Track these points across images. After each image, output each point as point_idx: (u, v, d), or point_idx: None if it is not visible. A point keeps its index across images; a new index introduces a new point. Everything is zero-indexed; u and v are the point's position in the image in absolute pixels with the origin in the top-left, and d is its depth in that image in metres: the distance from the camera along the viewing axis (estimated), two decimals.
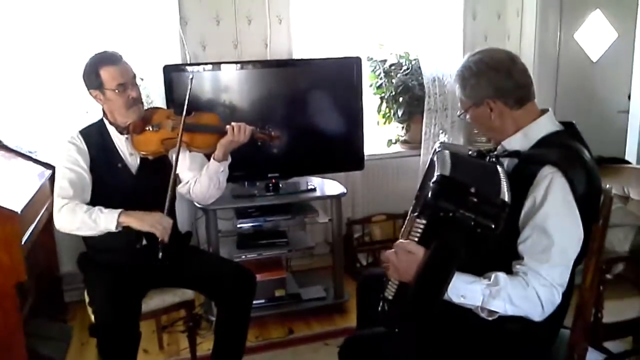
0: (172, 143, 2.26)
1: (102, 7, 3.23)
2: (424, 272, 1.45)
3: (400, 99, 3.83)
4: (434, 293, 1.45)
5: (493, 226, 1.39)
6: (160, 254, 2.08)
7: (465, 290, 1.45)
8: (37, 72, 3.21)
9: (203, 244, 3.31)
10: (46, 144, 3.23)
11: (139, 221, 2.11)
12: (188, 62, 3.37)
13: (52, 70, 3.22)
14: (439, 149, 1.65)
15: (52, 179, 3.01)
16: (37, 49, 3.17)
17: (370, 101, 3.83)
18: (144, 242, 2.31)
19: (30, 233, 2.44)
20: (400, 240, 1.54)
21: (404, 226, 1.75)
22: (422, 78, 3.75)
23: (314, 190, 3.19)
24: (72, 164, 2.22)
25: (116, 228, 2.11)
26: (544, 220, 1.46)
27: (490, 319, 1.48)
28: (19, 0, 3.10)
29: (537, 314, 1.45)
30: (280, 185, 3.16)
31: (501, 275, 1.45)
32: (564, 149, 1.56)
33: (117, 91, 2.21)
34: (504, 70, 1.61)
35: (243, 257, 3.02)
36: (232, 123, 2.28)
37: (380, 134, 3.98)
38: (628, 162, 2.67)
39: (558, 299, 1.46)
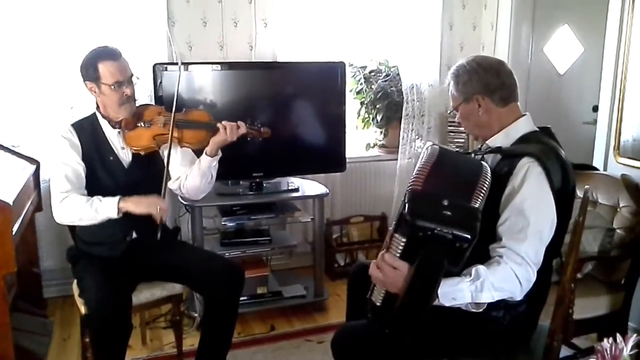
0: (163, 139, 2.31)
1: (90, 3, 3.25)
2: (411, 287, 1.51)
3: (379, 105, 3.94)
4: (422, 303, 1.52)
5: (470, 237, 1.47)
6: (159, 234, 2.16)
7: (454, 292, 1.54)
8: (21, 67, 3.19)
9: (187, 241, 3.34)
10: (29, 139, 3.22)
11: (136, 205, 2.19)
12: (175, 61, 3.41)
13: (36, 66, 3.20)
14: (431, 144, 1.76)
15: (36, 173, 3.02)
16: (22, 44, 3.16)
17: (350, 106, 3.93)
18: (134, 235, 2.36)
19: (19, 225, 2.46)
20: (383, 254, 1.59)
21: (385, 239, 1.74)
22: (400, 85, 3.88)
23: (296, 190, 3.27)
24: (67, 158, 2.26)
25: (117, 214, 2.17)
26: (521, 203, 1.59)
27: (480, 310, 1.57)
28: None
29: (517, 292, 1.57)
30: (264, 185, 3.23)
31: (480, 268, 1.55)
32: (541, 144, 1.71)
33: (112, 87, 2.25)
34: (493, 70, 1.79)
35: (227, 254, 3.06)
36: (224, 122, 2.34)
37: (359, 138, 4.09)
38: (596, 169, 2.85)
39: (533, 277, 1.57)
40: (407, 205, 1.51)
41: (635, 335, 1.04)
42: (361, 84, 3.94)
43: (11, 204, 2.27)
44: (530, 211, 1.58)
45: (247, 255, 3.18)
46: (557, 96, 4.12)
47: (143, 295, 2.40)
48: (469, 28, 4.06)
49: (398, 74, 3.90)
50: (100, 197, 2.20)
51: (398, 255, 1.55)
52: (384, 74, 3.95)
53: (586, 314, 2.35)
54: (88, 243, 2.38)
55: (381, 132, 4.07)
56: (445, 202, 1.50)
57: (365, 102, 3.97)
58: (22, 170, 2.90)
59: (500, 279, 1.54)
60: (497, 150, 1.77)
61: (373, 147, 4.10)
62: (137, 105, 2.41)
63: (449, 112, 1.98)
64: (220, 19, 3.53)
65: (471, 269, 1.55)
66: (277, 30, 3.62)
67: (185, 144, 2.37)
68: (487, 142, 1.84)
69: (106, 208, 2.17)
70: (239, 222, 3.17)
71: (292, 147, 3.30)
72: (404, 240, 1.54)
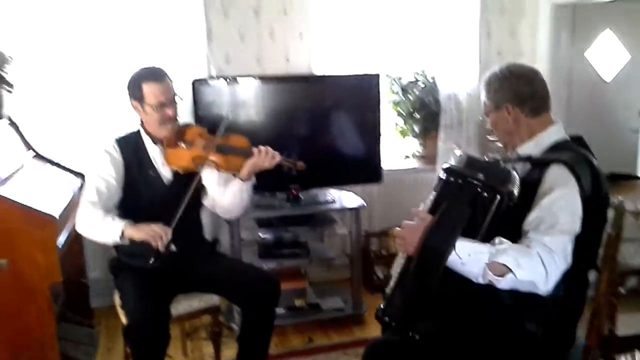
0: (201, 161, 2.34)
1: (132, 23, 3.37)
2: (431, 233, 1.54)
3: (417, 115, 3.93)
4: (439, 253, 1.52)
5: (499, 193, 1.52)
6: (152, 260, 2.14)
7: (471, 248, 1.51)
8: (71, 85, 3.34)
9: (226, 253, 3.39)
10: (77, 154, 3.34)
11: (137, 231, 2.17)
12: (214, 76, 3.49)
13: (85, 82, 3.34)
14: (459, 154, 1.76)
15: (82, 187, 3.13)
16: (72, 62, 3.31)
17: (388, 117, 3.94)
18: (173, 248, 2.41)
19: (66, 238, 2.54)
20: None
21: None
22: (438, 95, 3.86)
23: (333, 202, 3.28)
24: (103, 172, 2.32)
25: (120, 239, 2.17)
26: (551, 204, 1.56)
27: (492, 283, 1.50)
28: (53, 16, 3.23)
29: (541, 279, 1.48)
30: (301, 197, 3.26)
31: (505, 240, 1.52)
32: (572, 152, 1.68)
33: (155, 108, 2.32)
34: (526, 79, 1.77)
35: (264, 266, 3.10)
36: (260, 147, 2.36)
37: (397, 149, 4.07)
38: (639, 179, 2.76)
39: (560, 268, 1.50)
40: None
41: None
42: (398, 95, 3.93)
43: (57, 217, 2.37)
44: (560, 212, 1.54)
45: (284, 267, 3.20)
46: (601, 102, 4.03)
47: (181, 306, 2.45)
48: (506, 35, 3.99)
49: (435, 84, 3.88)
50: (114, 216, 2.23)
51: (427, 210, 1.64)
52: (421, 84, 3.93)
53: (631, 331, 2.27)
54: (128, 255, 2.44)
55: (420, 144, 4.05)
56: (481, 175, 1.59)
57: (403, 113, 3.96)
58: (70, 184, 3.00)
59: (524, 256, 1.49)
60: (527, 158, 1.74)
61: (411, 158, 4.08)
62: (181, 123, 2.47)
63: (480, 119, 1.97)
64: (256, 33, 3.59)
65: (495, 239, 1.53)
66: (313, 43, 3.66)
67: (223, 170, 2.39)
68: (517, 150, 1.81)
69: (112, 228, 2.17)
70: (275, 234, 3.20)
71: (329, 158, 3.32)
72: (434, 194, 1.65)
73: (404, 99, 3.93)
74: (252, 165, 2.35)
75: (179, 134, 2.40)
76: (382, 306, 1.71)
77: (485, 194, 1.55)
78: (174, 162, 2.37)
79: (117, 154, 2.38)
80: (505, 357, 1.71)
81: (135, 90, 2.32)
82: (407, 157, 4.07)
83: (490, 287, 1.52)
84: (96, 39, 3.34)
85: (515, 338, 1.64)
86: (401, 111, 3.96)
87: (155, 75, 2.33)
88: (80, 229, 2.28)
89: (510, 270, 1.47)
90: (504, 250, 1.50)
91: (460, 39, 3.80)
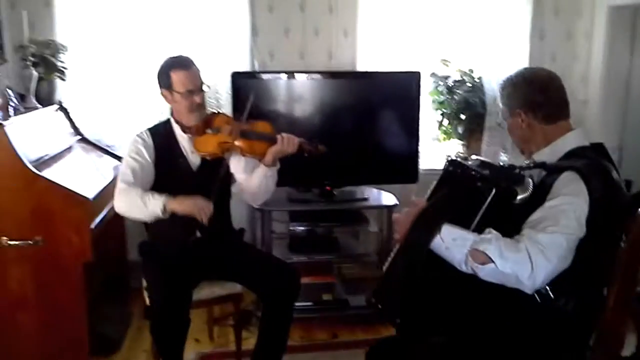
0: (227, 147, 2.41)
1: (180, 16, 3.49)
2: (421, 215, 1.62)
3: (462, 116, 3.85)
4: (423, 234, 1.57)
5: (495, 186, 1.54)
6: (198, 233, 2.26)
7: (457, 234, 1.53)
8: (119, 73, 3.50)
9: (258, 243, 3.46)
10: (124, 140, 3.49)
11: (180, 204, 2.26)
12: (256, 70, 3.55)
13: (132, 72, 3.49)
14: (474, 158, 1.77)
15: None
16: (120, 52, 3.47)
17: (432, 117, 3.88)
18: (198, 234, 2.48)
19: (101, 219, 2.67)
20: None
21: None
22: (484, 95, 3.77)
23: (366, 199, 3.28)
24: (137, 154, 2.42)
25: (162, 213, 2.25)
26: (554, 206, 1.53)
27: (473, 272, 1.50)
28: (105, 8, 3.39)
29: (525, 274, 1.45)
30: (335, 193, 3.27)
31: (494, 231, 1.51)
32: (588, 160, 1.62)
33: (183, 95, 2.39)
34: (539, 86, 1.73)
35: (294, 258, 3.15)
36: (282, 133, 2.41)
37: (440, 150, 4.01)
38: None
39: (550, 270, 1.46)
40: None
41: None
42: (443, 94, 3.87)
43: (91, 198, 2.49)
44: (562, 215, 1.50)
45: (314, 261, 3.23)
46: None
47: (204, 292, 2.52)
48: (562, 38, 3.85)
49: (482, 85, 3.79)
50: (154, 192, 2.31)
51: (426, 197, 1.73)
52: (468, 84, 3.85)
53: None
54: (157, 239, 2.54)
55: (463, 145, 3.97)
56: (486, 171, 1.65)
57: (447, 113, 3.89)
58: (113, 168, 3.14)
59: (509, 249, 1.47)
60: (541, 165, 1.69)
61: (465, 159, 3.99)
62: (209, 112, 2.55)
63: (498, 122, 1.94)
64: (301, 29, 3.62)
65: (485, 230, 1.54)
66: (357, 40, 3.65)
67: (248, 154, 2.45)
68: (533, 156, 1.76)
69: (153, 203, 2.25)
70: (306, 228, 3.23)
71: (365, 156, 3.32)
72: (434, 183, 1.74)
73: (448, 98, 3.86)
74: (276, 150, 2.39)
75: (207, 121, 2.47)
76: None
77: (481, 187, 1.57)
78: (201, 149, 2.44)
79: (149, 140, 2.47)
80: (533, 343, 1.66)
81: (164, 78, 2.40)
82: (449, 157, 3.99)
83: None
84: (144, 31, 3.49)
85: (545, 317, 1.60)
86: (445, 111, 3.90)
87: (183, 63, 2.41)
88: (119, 209, 2.36)
89: (491, 260, 1.46)
90: (488, 239, 1.49)
91: (510, 40, 3.70)
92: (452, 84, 3.88)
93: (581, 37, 3.82)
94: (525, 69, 1.81)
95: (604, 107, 3.71)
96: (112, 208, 2.82)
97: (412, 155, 3.35)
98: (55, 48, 3.19)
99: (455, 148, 4.00)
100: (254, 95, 2.39)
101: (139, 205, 2.28)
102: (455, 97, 3.85)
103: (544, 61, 3.81)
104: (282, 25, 3.61)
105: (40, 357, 2.54)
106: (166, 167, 2.47)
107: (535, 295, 1.55)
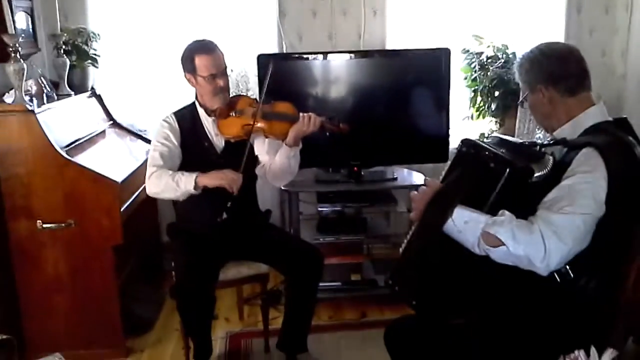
0: (251, 129, 2.42)
1: (208, 0, 3.51)
2: (433, 197, 1.60)
3: (495, 93, 3.75)
4: (436, 217, 1.55)
5: (509, 166, 1.51)
6: (229, 203, 2.28)
7: (469, 216, 1.51)
8: (152, 59, 3.56)
9: (287, 225, 3.49)
10: (155, 124, 3.56)
11: (210, 178, 2.31)
12: (285, 52, 3.55)
13: (163, 57, 3.53)
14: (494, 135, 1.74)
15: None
16: (151, 38, 3.53)
17: (464, 94, 3.81)
18: (225, 215, 2.51)
19: (131, 202, 2.75)
20: None
21: None
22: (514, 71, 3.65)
23: (395, 179, 3.25)
24: (164, 139, 2.46)
25: (195, 189, 2.30)
26: (570, 185, 1.49)
27: (488, 254, 1.48)
28: None
29: (539, 257, 1.42)
30: (362, 173, 3.25)
31: (508, 213, 1.48)
32: (609, 135, 1.57)
33: (207, 79, 2.42)
34: (557, 58, 1.68)
35: (321, 239, 3.16)
36: (304, 113, 2.41)
37: (473, 128, 3.93)
38: None
39: (564, 254, 1.43)
40: None
41: (611, 350, 0.92)
42: (476, 71, 3.78)
43: (120, 182, 2.56)
44: (578, 194, 1.46)
45: (342, 242, 3.23)
46: None
47: (230, 272, 2.55)
48: (600, 10, 3.69)
49: (515, 61, 3.67)
50: (184, 172, 2.36)
51: (440, 178, 1.70)
52: (501, 60, 3.74)
53: None
54: (185, 220, 2.59)
55: (496, 122, 3.87)
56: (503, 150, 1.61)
57: (480, 90, 3.80)
58: (145, 153, 3.21)
59: (522, 231, 1.44)
60: (561, 142, 1.65)
61: (487, 137, 3.92)
62: (232, 95, 2.57)
63: (519, 102, 1.89)
64: (330, 10, 3.60)
65: (500, 212, 1.51)
66: (387, 19, 3.61)
67: (270, 135, 2.47)
68: (554, 133, 1.72)
69: (185, 181, 2.30)
70: (334, 209, 3.23)
71: (394, 135, 3.27)
72: (448, 164, 1.72)
73: (481, 75, 3.77)
74: (297, 130, 2.41)
75: (231, 104, 2.49)
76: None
77: (495, 167, 1.53)
78: (225, 131, 2.47)
79: (175, 124, 2.52)
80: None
81: (188, 63, 2.43)
82: (483, 135, 3.91)
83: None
84: (173, 17, 3.52)
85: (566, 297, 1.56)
86: (478, 88, 3.81)
87: (206, 47, 2.43)
88: (151, 191, 2.41)
89: (503, 242, 1.44)
90: (501, 222, 1.46)
91: (545, 13, 3.59)
92: (486, 60, 3.79)
93: (621, 9, 3.65)
94: (541, 43, 1.75)
95: None
96: (144, 191, 2.92)
97: (443, 133, 3.28)
98: (87, 36, 3.27)
99: (488, 126, 3.92)
100: (270, 75, 2.38)
101: (171, 185, 2.33)
102: (489, 73, 3.76)
103: (581, 35, 3.69)
104: (310, 6, 3.59)
105: (75, 338, 2.65)
106: (192, 149, 2.51)
107: (555, 274, 1.52)
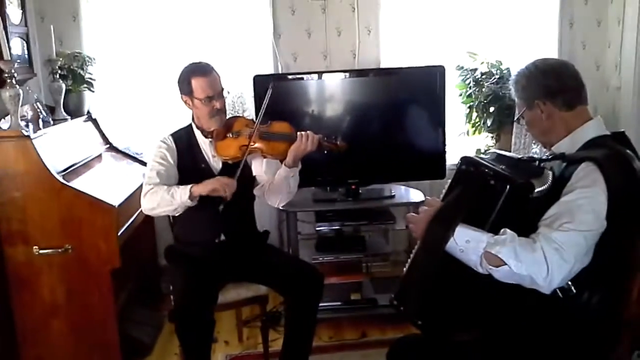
0: (248, 149, 2.42)
1: (202, 22, 3.54)
2: (434, 216, 1.60)
3: (490, 109, 3.77)
4: (438, 237, 1.55)
5: (509, 184, 1.51)
6: (221, 206, 2.28)
7: (470, 235, 1.50)
8: (148, 81, 3.58)
9: (285, 245, 3.47)
10: (152, 147, 3.56)
11: (204, 186, 2.29)
12: (280, 72, 3.57)
13: (161, 80, 3.55)
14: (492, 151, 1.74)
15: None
16: (146, 61, 3.55)
17: (459, 110, 3.82)
18: (222, 237, 2.51)
19: (128, 225, 2.73)
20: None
21: None
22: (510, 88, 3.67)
23: (393, 197, 3.25)
24: (161, 159, 2.45)
25: (190, 198, 2.28)
26: (570, 202, 1.48)
27: (490, 273, 1.48)
28: (128, 18, 3.49)
29: (541, 276, 1.41)
30: (360, 192, 3.25)
31: (509, 231, 1.47)
32: (608, 149, 1.57)
33: (203, 101, 2.42)
34: (553, 73, 1.69)
35: (321, 259, 3.14)
36: (300, 132, 2.41)
37: (470, 144, 3.94)
38: None
39: (566, 271, 1.42)
40: None
41: None
42: (470, 87, 3.80)
43: (116, 206, 2.55)
44: (578, 210, 1.45)
45: (341, 261, 3.22)
46: None
47: (230, 294, 2.54)
48: (592, 25, 3.73)
49: (510, 76, 3.69)
50: (179, 185, 2.35)
51: (441, 197, 1.71)
52: (496, 76, 3.76)
53: None
54: (183, 243, 2.58)
55: (492, 138, 3.88)
56: (503, 166, 1.61)
57: (475, 106, 3.82)
58: (142, 175, 3.20)
59: (525, 251, 1.43)
60: (560, 156, 1.65)
61: (484, 153, 3.92)
62: (229, 117, 2.57)
63: (515, 119, 1.89)
64: (324, 29, 3.62)
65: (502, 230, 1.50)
66: (381, 38, 3.64)
67: (267, 155, 2.46)
68: (552, 148, 1.72)
69: (180, 193, 2.29)
70: (332, 228, 3.22)
71: (391, 153, 3.27)
72: (449, 182, 1.71)
73: (476, 91, 3.79)
74: (295, 149, 2.40)
75: (227, 126, 2.49)
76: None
77: (495, 184, 1.53)
78: (223, 153, 2.46)
79: (173, 145, 2.51)
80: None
81: (184, 85, 2.44)
82: (479, 151, 3.92)
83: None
84: (168, 39, 3.55)
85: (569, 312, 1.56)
86: (473, 104, 3.82)
87: (202, 69, 2.43)
88: (146, 207, 2.38)
89: (505, 262, 1.43)
90: (503, 241, 1.46)
91: (538, 29, 3.63)
92: (480, 77, 3.81)
93: (613, 23, 3.69)
94: (536, 59, 1.76)
95: (639, 93, 3.56)
96: (141, 214, 2.90)
97: (439, 150, 3.29)
98: (82, 60, 3.28)
99: (484, 141, 3.93)
100: (269, 96, 2.38)
101: (167, 199, 2.31)
102: (484, 89, 3.78)
103: (574, 49, 3.72)
104: (305, 26, 3.61)
105: None
106: (189, 171, 2.50)
107: (557, 290, 1.51)
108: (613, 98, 3.74)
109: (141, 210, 2.93)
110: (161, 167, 2.44)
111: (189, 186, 2.30)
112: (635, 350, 1.56)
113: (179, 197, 2.30)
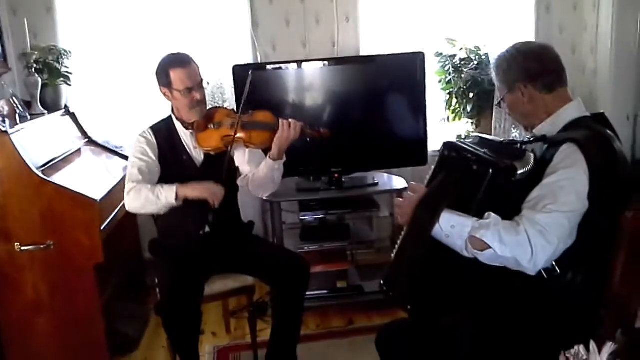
0: (230, 140, 2.40)
1: (180, 13, 3.50)
2: (419, 202, 1.61)
3: (470, 94, 3.79)
4: (424, 222, 1.56)
5: (492, 167, 1.52)
6: (207, 227, 2.29)
7: (455, 220, 1.52)
8: (126, 74, 3.53)
9: (270, 235, 3.47)
10: (131, 140, 3.52)
11: (192, 190, 2.29)
12: (259, 62, 3.54)
13: (139, 72, 3.51)
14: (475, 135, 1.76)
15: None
16: (123, 53, 3.50)
17: (439, 97, 3.84)
18: (207, 229, 2.49)
19: (111, 219, 2.70)
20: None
21: None
22: (492, 73, 3.70)
23: (376, 184, 3.26)
24: (142, 154, 2.44)
25: (176, 200, 2.28)
26: (552, 183, 1.50)
27: (476, 257, 1.50)
28: (105, 10, 3.43)
29: (526, 258, 1.44)
30: (343, 180, 3.25)
31: (494, 215, 1.49)
32: (589, 130, 1.59)
33: (183, 93, 2.40)
34: (534, 56, 1.71)
35: (306, 248, 3.15)
36: (282, 120, 2.40)
37: (450, 130, 3.96)
38: None
39: (550, 253, 1.44)
40: None
41: (611, 344, 0.93)
42: (450, 74, 3.82)
43: (98, 200, 2.52)
44: (560, 192, 1.48)
45: (327, 249, 3.23)
46: None
47: (216, 286, 2.53)
48: (568, 8, 3.77)
49: (489, 62, 3.72)
50: (163, 184, 2.33)
51: (425, 183, 1.72)
52: (474, 62, 3.78)
53: None
54: (167, 236, 2.55)
55: (472, 123, 3.91)
56: (485, 150, 1.63)
57: (455, 92, 3.84)
58: (122, 169, 3.17)
59: (509, 232, 1.45)
60: (541, 138, 1.67)
61: (465, 139, 3.94)
62: (209, 107, 2.55)
63: (496, 103, 1.91)
64: (302, 18, 3.60)
65: (485, 214, 1.52)
66: (360, 25, 3.63)
67: (250, 145, 2.45)
68: (534, 131, 1.74)
69: (166, 194, 2.29)
70: (316, 217, 3.23)
71: (373, 140, 3.29)
72: (432, 168, 1.73)
73: (456, 77, 3.81)
74: (279, 139, 2.38)
75: (208, 117, 2.47)
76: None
77: (478, 169, 1.55)
78: (205, 144, 2.45)
79: (152, 139, 2.49)
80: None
81: (163, 77, 2.41)
82: (460, 137, 3.94)
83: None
84: (145, 30, 3.51)
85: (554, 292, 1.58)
86: (453, 90, 3.84)
87: (181, 60, 2.40)
88: (131, 206, 2.38)
89: (490, 246, 1.45)
90: (487, 225, 1.47)
91: (515, 13, 3.64)
92: (459, 63, 3.83)
93: (588, 6, 3.73)
94: (516, 43, 1.77)
95: (615, 76, 3.61)
96: (123, 208, 2.87)
97: (421, 137, 3.31)
98: (58, 54, 3.22)
99: (465, 127, 3.96)
100: (249, 85, 2.36)
101: (152, 199, 2.31)
102: (463, 75, 3.80)
103: (551, 33, 3.75)
104: (283, 15, 3.59)
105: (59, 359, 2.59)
106: (170, 164, 2.49)
107: (542, 271, 1.53)
108: (589, 81, 3.79)
109: (123, 204, 2.94)
110: (142, 163, 2.42)
111: (174, 187, 2.29)
112: (619, 328, 1.59)
113: (164, 198, 2.29)
